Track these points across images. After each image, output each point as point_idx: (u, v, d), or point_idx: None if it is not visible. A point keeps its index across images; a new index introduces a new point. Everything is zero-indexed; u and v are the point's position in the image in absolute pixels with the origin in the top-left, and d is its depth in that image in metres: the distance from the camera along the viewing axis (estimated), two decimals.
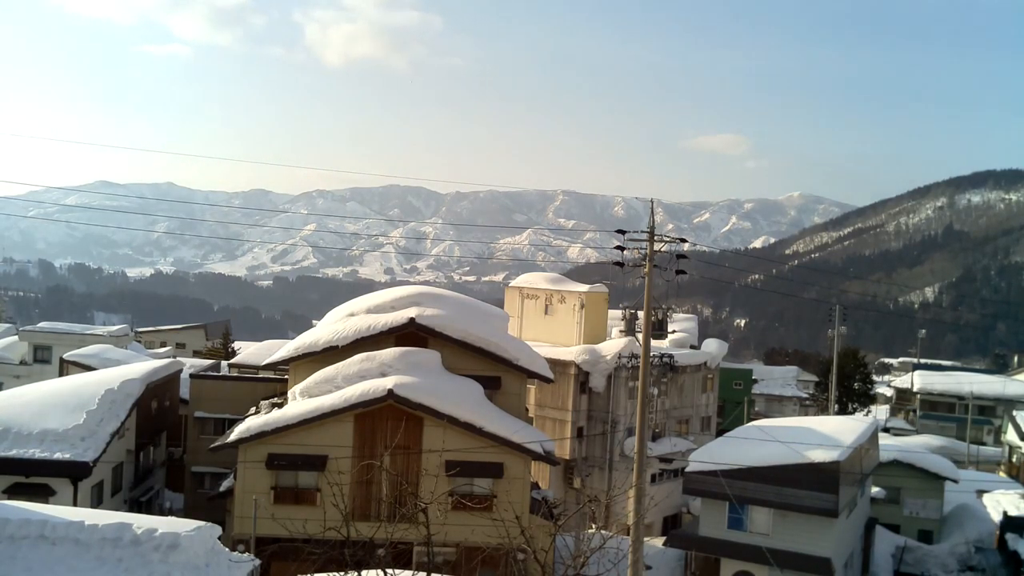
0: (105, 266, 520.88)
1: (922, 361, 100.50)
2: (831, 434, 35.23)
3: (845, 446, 33.39)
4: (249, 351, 68.60)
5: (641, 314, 28.14)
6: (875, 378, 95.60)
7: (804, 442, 33.01)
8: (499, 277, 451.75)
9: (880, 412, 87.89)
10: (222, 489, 34.65)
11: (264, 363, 41.07)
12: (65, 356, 55.30)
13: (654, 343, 37.81)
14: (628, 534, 28.16)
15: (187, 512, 36.64)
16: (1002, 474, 60.81)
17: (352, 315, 36.69)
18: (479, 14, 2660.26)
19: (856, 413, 77.93)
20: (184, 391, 43.63)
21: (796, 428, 36.67)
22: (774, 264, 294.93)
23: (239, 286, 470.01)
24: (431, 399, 31.85)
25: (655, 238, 26.90)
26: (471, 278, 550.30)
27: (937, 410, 77.04)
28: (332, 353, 34.41)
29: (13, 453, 29.94)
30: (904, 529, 44.04)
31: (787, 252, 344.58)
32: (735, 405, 63.08)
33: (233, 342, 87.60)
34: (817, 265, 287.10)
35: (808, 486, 31.84)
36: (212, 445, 33.78)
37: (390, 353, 33.83)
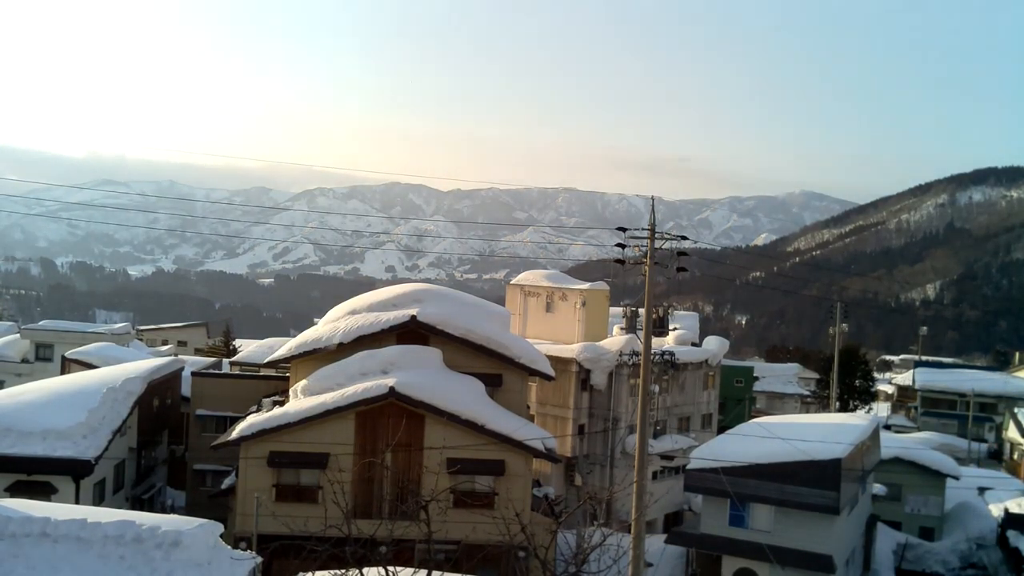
0: (106, 264, 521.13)
1: (923, 358, 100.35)
2: (832, 431, 35.22)
3: (846, 443, 33.39)
4: (250, 349, 68.79)
5: (642, 311, 28.14)
6: (876, 375, 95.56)
7: (805, 439, 33.00)
8: (500, 275, 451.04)
9: (881, 409, 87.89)
10: (224, 487, 34.72)
11: (265, 361, 41.13)
12: (67, 354, 55.36)
13: (655, 341, 37.81)
14: (629, 531, 28.19)
15: (189, 510, 36.69)
16: (1003, 471, 60.80)
17: (353, 313, 36.71)
18: (479, 12, 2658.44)
19: (857, 410, 78.01)
20: (186, 389, 43.68)
21: (797, 425, 36.68)
22: (775, 261, 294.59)
23: (240, 284, 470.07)
24: (432, 397, 31.86)
25: (656, 236, 26.90)
26: (472, 276, 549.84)
27: (938, 407, 76.97)
28: (334, 351, 34.43)
29: (15, 451, 29.98)
30: (905, 526, 44.05)
31: (788, 249, 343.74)
32: (736, 402, 63.06)
33: (234, 340, 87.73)
34: (818, 262, 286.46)
35: (809, 483, 31.84)
36: (214, 443, 33.81)
37: (392, 351, 33.85)
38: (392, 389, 31.30)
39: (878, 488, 42.85)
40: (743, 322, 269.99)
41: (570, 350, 46.28)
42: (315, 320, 53.37)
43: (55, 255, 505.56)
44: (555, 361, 40.82)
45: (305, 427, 31.49)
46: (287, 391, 35.83)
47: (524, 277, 55.63)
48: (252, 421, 32.28)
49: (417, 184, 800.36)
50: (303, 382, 33.51)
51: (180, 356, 55.72)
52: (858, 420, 41.86)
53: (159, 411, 40.38)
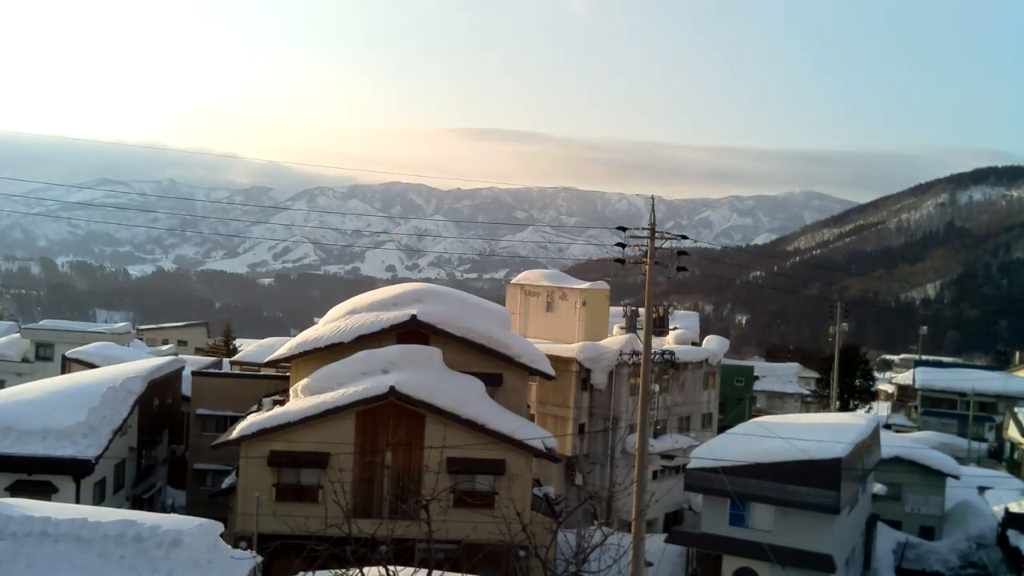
0: (107, 264, 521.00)
1: (923, 358, 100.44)
2: (832, 431, 35.23)
3: (846, 443, 33.40)
4: (250, 349, 68.85)
5: (642, 311, 28.16)
6: (876, 375, 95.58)
7: (805, 439, 33.01)
8: (500, 274, 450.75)
9: (881, 409, 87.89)
10: (224, 486, 34.73)
11: (266, 360, 41.12)
12: (67, 354, 55.36)
13: (655, 340, 37.81)
14: (629, 530, 28.22)
15: (189, 509, 36.71)
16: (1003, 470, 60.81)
17: (354, 312, 36.73)
18: (479, 11, 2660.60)
19: (857, 410, 78.00)
20: (186, 388, 43.70)
21: (797, 425, 36.69)
22: (775, 261, 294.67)
23: (241, 284, 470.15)
24: (433, 396, 31.87)
25: (656, 235, 26.91)
26: (472, 275, 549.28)
27: (938, 407, 77.01)
28: (334, 350, 34.44)
29: (15, 450, 29.99)
30: (906, 526, 44.04)
31: (788, 249, 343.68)
32: (736, 402, 63.10)
33: (235, 339, 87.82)
34: (818, 262, 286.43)
35: (810, 483, 31.85)
36: (214, 442, 33.83)
37: (392, 350, 33.86)
38: (392, 388, 31.32)
39: (878, 487, 42.89)
40: (743, 322, 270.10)
41: (570, 349, 46.29)
42: (315, 320, 53.41)
43: (55, 254, 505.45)
44: (555, 360, 40.84)
45: (305, 426, 31.50)
46: (287, 391, 35.85)
47: (524, 276, 55.61)
48: (252, 420, 32.30)
49: (417, 184, 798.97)
50: (303, 381, 33.52)
51: (180, 355, 55.74)
52: (858, 420, 41.87)
53: (159, 410, 40.39)
